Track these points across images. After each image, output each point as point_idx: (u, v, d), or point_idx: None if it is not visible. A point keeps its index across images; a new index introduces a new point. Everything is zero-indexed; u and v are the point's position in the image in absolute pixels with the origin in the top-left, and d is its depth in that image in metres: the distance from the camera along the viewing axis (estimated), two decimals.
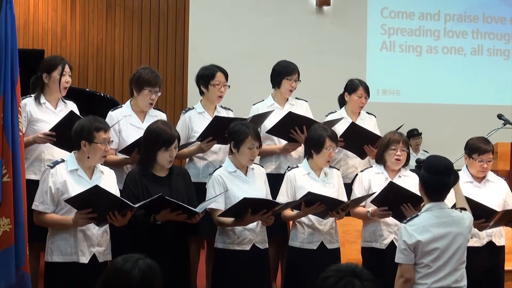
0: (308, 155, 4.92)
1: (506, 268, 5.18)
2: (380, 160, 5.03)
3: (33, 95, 4.99)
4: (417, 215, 3.97)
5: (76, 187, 4.18)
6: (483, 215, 4.79)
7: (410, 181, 4.93)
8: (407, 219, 4.01)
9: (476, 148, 4.99)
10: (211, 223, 4.67)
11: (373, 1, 9.88)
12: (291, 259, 4.89)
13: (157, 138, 4.47)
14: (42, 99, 4.99)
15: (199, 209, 4.37)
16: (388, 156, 4.96)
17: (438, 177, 3.95)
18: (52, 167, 4.24)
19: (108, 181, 4.34)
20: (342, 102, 6.02)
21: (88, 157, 4.24)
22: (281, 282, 5.03)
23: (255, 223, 4.60)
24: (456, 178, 4.07)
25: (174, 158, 4.56)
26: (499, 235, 5.10)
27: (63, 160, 4.30)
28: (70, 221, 4.14)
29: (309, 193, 4.58)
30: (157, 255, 3.99)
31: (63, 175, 4.22)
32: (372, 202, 4.86)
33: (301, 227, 4.84)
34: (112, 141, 4.51)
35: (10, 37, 4.13)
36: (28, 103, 4.94)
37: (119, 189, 4.55)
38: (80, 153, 4.26)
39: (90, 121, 4.26)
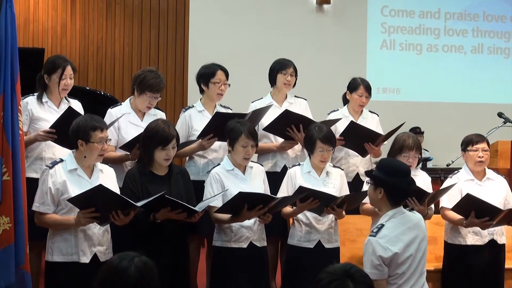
0: (308, 154, 4.92)
1: (506, 266, 5.18)
2: None
3: (36, 94, 4.99)
4: (383, 225, 3.74)
5: (75, 187, 4.16)
6: (486, 214, 4.80)
7: (418, 180, 4.88)
8: (374, 231, 3.73)
9: (469, 140, 5.13)
10: (210, 221, 4.67)
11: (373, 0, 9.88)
12: (290, 257, 4.89)
13: (154, 137, 4.46)
14: (45, 98, 4.99)
15: (198, 208, 4.36)
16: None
17: (404, 179, 3.78)
18: (51, 168, 4.21)
19: (108, 179, 4.32)
20: (345, 100, 6.03)
21: (85, 157, 4.22)
22: (281, 280, 5.03)
23: (252, 221, 4.60)
24: (413, 183, 3.91)
25: (175, 157, 4.55)
26: (501, 233, 5.12)
27: (61, 160, 4.27)
28: (72, 221, 4.12)
29: (300, 188, 4.57)
30: (157, 253, 4.03)
31: (62, 175, 4.20)
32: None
33: (298, 225, 4.83)
34: (110, 139, 4.50)
35: (10, 35, 4.12)
36: (30, 102, 4.95)
37: (119, 187, 4.55)
38: (78, 152, 4.24)
39: (87, 120, 4.22)
